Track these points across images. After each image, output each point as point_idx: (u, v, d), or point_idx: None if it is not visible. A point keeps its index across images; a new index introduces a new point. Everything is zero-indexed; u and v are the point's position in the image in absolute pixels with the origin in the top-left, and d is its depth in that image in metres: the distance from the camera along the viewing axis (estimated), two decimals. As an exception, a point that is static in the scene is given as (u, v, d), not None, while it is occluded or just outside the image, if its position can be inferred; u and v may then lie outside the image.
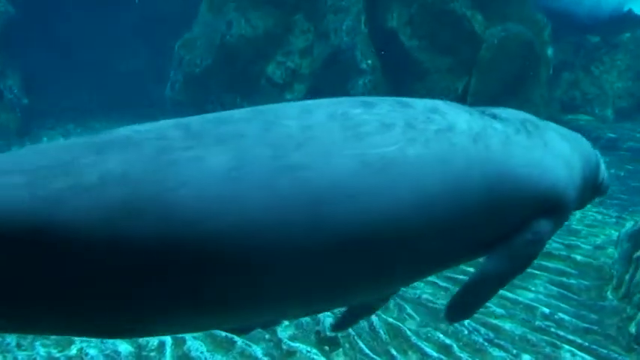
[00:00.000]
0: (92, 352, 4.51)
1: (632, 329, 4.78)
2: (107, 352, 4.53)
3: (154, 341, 4.67)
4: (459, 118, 2.35)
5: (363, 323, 4.91)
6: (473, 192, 2.26)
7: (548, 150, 2.52)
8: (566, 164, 2.58)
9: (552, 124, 2.74)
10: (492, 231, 2.41)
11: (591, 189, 2.90)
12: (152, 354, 4.57)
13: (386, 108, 2.28)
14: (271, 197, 1.96)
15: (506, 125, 2.46)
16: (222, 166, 1.96)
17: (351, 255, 2.10)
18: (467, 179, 2.24)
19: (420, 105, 2.36)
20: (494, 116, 2.48)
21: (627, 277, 5.28)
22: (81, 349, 4.53)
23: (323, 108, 2.23)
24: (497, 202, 2.33)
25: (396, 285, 2.56)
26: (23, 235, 1.85)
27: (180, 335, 4.70)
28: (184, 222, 1.90)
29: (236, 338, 4.66)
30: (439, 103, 2.42)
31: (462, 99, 7.70)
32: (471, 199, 2.25)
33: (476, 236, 2.38)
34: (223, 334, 4.72)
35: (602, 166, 3.00)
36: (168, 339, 4.67)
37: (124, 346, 4.60)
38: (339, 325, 3.06)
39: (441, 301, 5.27)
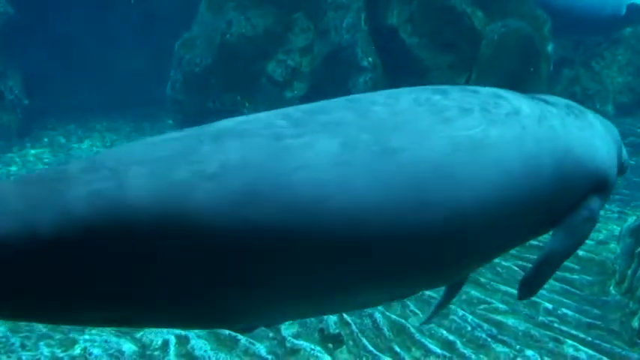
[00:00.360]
0: (96, 351, 4.51)
1: (635, 324, 4.78)
2: (111, 351, 4.54)
3: (157, 340, 4.67)
4: (521, 102, 2.45)
5: (367, 320, 4.91)
6: (543, 171, 2.37)
7: (594, 131, 2.66)
8: (607, 144, 2.72)
9: (588, 109, 2.86)
10: (556, 210, 2.52)
11: (618, 168, 3.03)
12: (156, 353, 4.58)
13: (459, 94, 2.37)
14: (378, 179, 2.03)
15: (558, 109, 2.57)
16: (332, 151, 2.03)
17: (447, 235, 2.17)
18: (538, 159, 2.36)
19: (484, 91, 2.45)
20: (545, 101, 2.59)
21: (630, 272, 5.28)
22: (85, 349, 4.53)
23: (406, 95, 2.31)
24: (562, 181, 2.45)
25: (475, 266, 2.63)
26: (149, 224, 1.85)
27: (183, 334, 4.71)
28: (303, 205, 1.95)
29: (239, 336, 4.66)
30: (498, 90, 2.51)
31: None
32: (542, 178, 2.37)
33: (542, 216, 2.49)
34: (227, 332, 4.73)
35: (623, 148, 3.15)
36: (172, 338, 4.67)
37: (127, 345, 4.60)
38: (438, 309, 3.14)
39: (444, 298, 5.27)
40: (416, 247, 2.13)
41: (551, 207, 2.48)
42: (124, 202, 1.84)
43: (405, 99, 2.28)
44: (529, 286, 2.74)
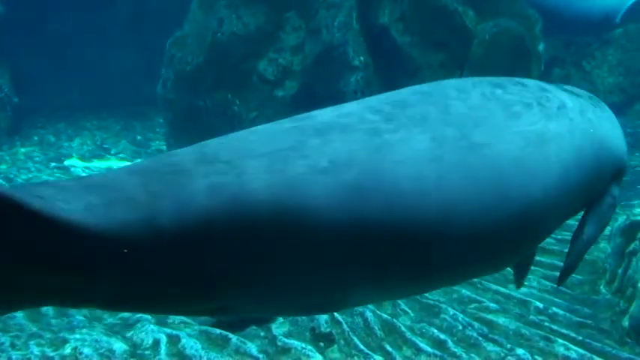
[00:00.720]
0: (86, 350, 4.49)
1: (625, 323, 4.80)
2: (101, 350, 4.52)
3: (148, 339, 4.66)
4: (563, 95, 2.56)
5: (358, 319, 4.91)
6: (586, 162, 2.48)
7: (613, 122, 2.78)
8: (622, 134, 2.83)
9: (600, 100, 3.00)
10: (589, 197, 2.64)
11: None
12: (147, 352, 4.56)
13: (515, 88, 2.47)
14: (468, 174, 2.10)
15: (585, 100, 2.68)
16: (426, 146, 2.09)
17: (520, 227, 2.27)
18: (584, 151, 2.47)
19: (531, 84, 2.55)
20: (574, 93, 2.69)
21: (620, 271, 5.30)
22: (75, 348, 4.51)
23: (473, 89, 2.38)
24: (598, 170, 2.57)
25: (527, 252, 2.76)
26: (267, 218, 1.87)
27: (174, 333, 4.69)
28: (406, 200, 2.01)
29: (231, 335, 4.65)
30: (540, 83, 2.61)
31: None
32: (585, 168, 2.48)
33: (579, 203, 2.61)
34: (218, 331, 4.72)
35: None
36: (162, 337, 4.65)
37: (118, 345, 4.59)
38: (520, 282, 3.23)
39: (435, 297, 5.28)
40: (495, 238, 2.21)
41: (587, 194, 2.60)
42: (244, 196, 1.85)
43: (475, 93, 2.35)
44: (570, 271, 2.88)
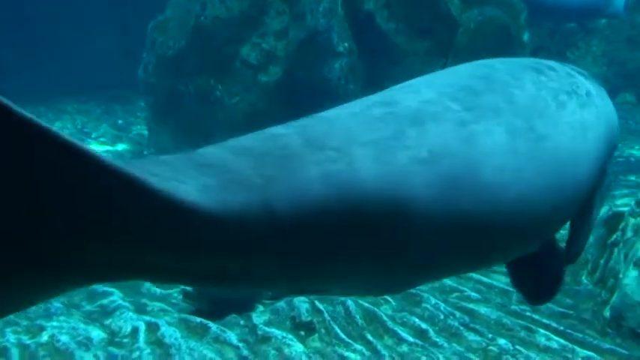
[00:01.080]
0: (64, 338, 4.43)
1: (607, 313, 4.80)
2: (79, 338, 4.46)
3: (126, 327, 4.60)
4: (583, 80, 2.62)
5: (339, 308, 4.88)
6: (607, 146, 2.58)
7: (611, 103, 2.84)
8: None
9: None
10: (597, 178, 2.70)
11: None
12: (125, 340, 4.51)
13: (551, 74, 2.51)
14: (537, 167, 2.16)
15: (594, 83, 2.74)
16: (503, 138, 2.13)
17: (566, 213, 2.39)
18: (606, 135, 2.56)
19: (558, 68, 2.60)
20: (588, 77, 2.75)
21: (602, 261, 5.30)
22: (52, 336, 4.45)
23: (523, 77, 2.41)
24: (610, 153, 2.68)
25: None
26: (376, 209, 1.88)
27: (153, 321, 4.64)
28: (490, 192, 2.05)
29: (210, 324, 4.60)
30: (564, 67, 2.67)
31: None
32: (606, 152, 2.58)
33: (592, 186, 2.67)
34: (197, 319, 4.67)
35: None
36: (141, 325, 4.60)
37: (96, 332, 4.53)
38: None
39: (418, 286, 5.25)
40: (546, 227, 2.33)
41: (598, 177, 2.69)
42: (354, 185, 1.86)
43: (526, 80, 2.39)
44: (579, 254, 2.97)
